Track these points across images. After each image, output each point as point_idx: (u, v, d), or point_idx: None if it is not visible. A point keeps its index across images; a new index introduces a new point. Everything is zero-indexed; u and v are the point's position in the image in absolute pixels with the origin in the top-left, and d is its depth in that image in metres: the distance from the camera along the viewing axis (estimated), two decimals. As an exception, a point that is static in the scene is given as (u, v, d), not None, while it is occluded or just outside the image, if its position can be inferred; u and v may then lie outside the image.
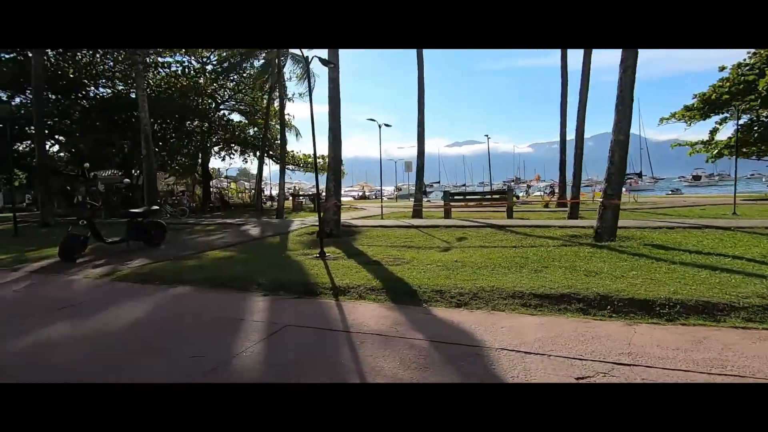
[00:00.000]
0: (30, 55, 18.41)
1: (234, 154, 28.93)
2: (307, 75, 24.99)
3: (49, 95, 20.79)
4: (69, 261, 7.49)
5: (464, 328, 3.71)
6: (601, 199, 8.09)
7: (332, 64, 7.51)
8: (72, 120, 18.95)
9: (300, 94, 27.76)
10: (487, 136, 25.23)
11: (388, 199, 50.34)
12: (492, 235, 9.19)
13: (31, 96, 20.48)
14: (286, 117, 29.93)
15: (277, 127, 29.50)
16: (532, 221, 11.95)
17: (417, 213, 15.38)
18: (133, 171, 24.75)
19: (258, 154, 29.35)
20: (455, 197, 14.98)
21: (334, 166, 10.55)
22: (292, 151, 31.12)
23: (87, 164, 8.35)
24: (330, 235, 10.17)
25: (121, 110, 19.45)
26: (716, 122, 22.95)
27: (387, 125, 16.67)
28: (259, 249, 8.64)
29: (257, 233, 11.08)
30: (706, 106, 21.40)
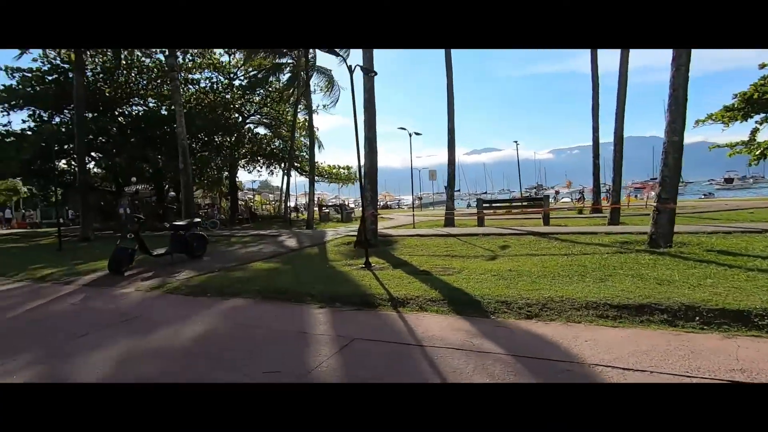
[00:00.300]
0: (71, 75, 19.26)
1: (261, 167, 29.37)
2: (329, 87, 25.38)
3: (86, 114, 21.66)
4: (118, 274, 7.59)
5: (545, 341, 3.51)
6: (654, 204, 7.73)
7: (374, 73, 7.47)
8: (110, 136, 19.56)
9: (324, 106, 28.03)
10: (515, 142, 24.80)
11: (409, 208, 50.19)
12: (536, 243, 8.92)
13: (68, 115, 21.39)
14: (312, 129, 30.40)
15: (301, 139, 29.96)
16: (572, 228, 11.58)
17: (449, 221, 15.15)
18: (164, 185, 25.40)
19: (283, 165, 29.84)
20: (489, 205, 14.70)
21: (370, 175, 10.49)
22: (317, 162, 31.39)
23: (134, 178, 8.50)
24: (369, 245, 10.08)
25: (154, 126, 20.01)
26: (756, 122, 21.96)
27: (417, 134, 16.59)
28: (301, 260, 8.60)
29: (294, 244, 11.08)
30: (747, 106, 20.50)
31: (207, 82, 26.10)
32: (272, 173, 31.23)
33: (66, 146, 20.52)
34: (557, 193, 43.75)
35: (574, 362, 3.04)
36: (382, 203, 52.21)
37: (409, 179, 19.41)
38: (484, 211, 14.68)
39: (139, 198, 20.38)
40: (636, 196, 34.53)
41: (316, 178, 32.51)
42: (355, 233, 12.89)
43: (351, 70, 6.96)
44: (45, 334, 4.46)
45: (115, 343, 3.95)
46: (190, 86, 25.17)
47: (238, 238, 13.42)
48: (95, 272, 8.15)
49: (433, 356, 3.28)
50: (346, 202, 34.58)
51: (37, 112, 20.68)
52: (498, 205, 15.43)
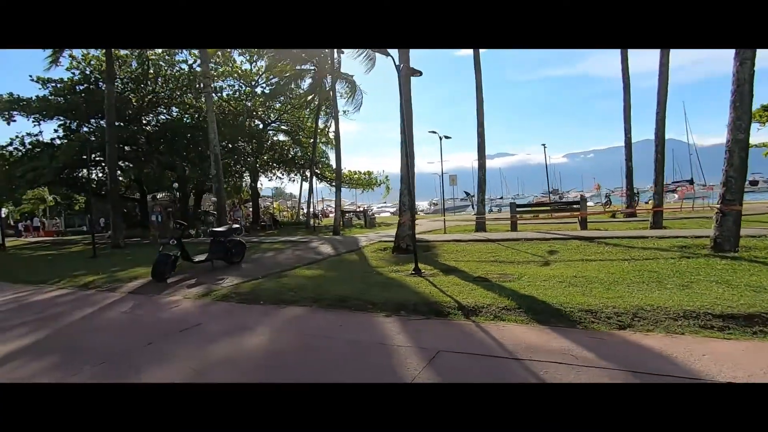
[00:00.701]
0: (101, 85, 19.57)
1: (283, 174, 29.47)
2: (352, 93, 25.27)
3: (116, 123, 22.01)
4: (161, 281, 7.48)
5: (655, 354, 3.20)
6: (718, 205, 7.33)
7: (419, 73, 7.28)
8: (138, 145, 19.79)
9: (344, 112, 27.99)
10: (543, 145, 24.32)
11: (425, 213, 49.68)
12: (586, 248, 8.56)
13: (95, 125, 21.73)
14: (331, 135, 30.43)
15: (320, 146, 29.95)
16: (615, 232, 11.14)
17: (480, 226, 14.83)
18: (188, 192, 25.61)
19: (302, 172, 29.88)
20: (525, 209, 14.33)
21: (408, 180, 10.26)
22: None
23: (176, 184, 8.43)
24: (406, 251, 9.83)
25: (180, 134, 20.18)
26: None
27: (447, 137, 16.37)
28: (344, 266, 8.39)
29: (329, 250, 10.88)
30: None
31: (230, 89, 26.40)
32: (293, 180, 31.27)
33: (94, 155, 20.90)
34: (582, 197, 42.84)
35: (703, 380, 2.74)
36: (395, 210, 51.58)
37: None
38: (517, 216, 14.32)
39: (172, 205, 20.49)
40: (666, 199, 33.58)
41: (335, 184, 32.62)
42: (386, 239, 12.67)
43: (398, 70, 6.77)
44: (108, 343, 4.32)
45: (184, 354, 3.77)
46: (214, 94, 25.45)
47: (269, 244, 13.29)
48: (137, 279, 8.07)
49: (538, 371, 3.01)
50: (365, 208, 34.32)
51: (67, 122, 21.06)
52: (533, 209, 15.03)
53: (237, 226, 9.99)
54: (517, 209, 13.80)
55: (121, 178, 26.94)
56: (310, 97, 24.66)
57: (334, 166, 30.63)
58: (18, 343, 4.45)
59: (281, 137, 30.12)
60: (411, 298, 5.16)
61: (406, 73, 8.47)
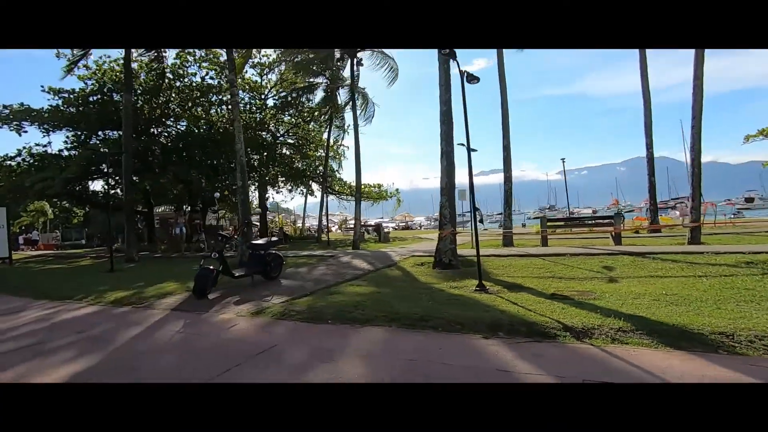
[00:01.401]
0: (115, 96, 19.23)
1: (292, 188, 29.05)
2: (364, 106, 25.02)
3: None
4: (202, 297, 6.97)
5: None
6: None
7: (477, 80, 6.97)
8: (154, 156, 19.35)
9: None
10: (562, 159, 24.10)
11: (425, 229, 49.21)
12: (643, 264, 8.19)
13: (102, 135, 21.27)
14: (341, 148, 30.17)
15: (320, 160, 29.52)
16: (657, 248, 10.77)
17: (508, 241, 14.44)
18: (197, 205, 25.07)
19: (307, 186, 29.49)
20: (558, 223, 13.97)
21: (449, 191, 9.89)
22: (346, 181, 30.95)
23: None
24: (449, 266, 9.41)
25: (194, 146, 19.76)
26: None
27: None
28: (392, 282, 7.91)
29: (365, 265, 10.40)
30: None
31: (240, 102, 26.09)
32: (301, 194, 30.78)
33: (103, 166, 20.42)
34: (594, 212, 42.77)
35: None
36: (401, 224, 51.32)
37: (419, 200, 18.73)
38: (542, 230, 13.95)
39: (198, 217, 19.84)
40: (668, 215, 33.49)
41: (345, 197, 32.23)
42: (418, 254, 12.23)
43: (462, 75, 6.46)
44: (179, 368, 3.81)
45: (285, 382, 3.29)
46: (223, 107, 25.17)
47: (293, 259, 12.75)
48: (171, 295, 7.55)
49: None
50: (379, 223, 33.63)
51: (78, 133, 20.62)
52: (564, 224, 14.69)
53: (276, 238, 9.51)
54: (548, 224, 13.42)
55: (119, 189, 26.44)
56: (324, 109, 24.41)
57: (345, 179, 30.48)
58: (71, 369, 3.93)
59: (285, 151, 29.74)
60: (499, 317, 4.72)
61: (472, 82, 8.15)
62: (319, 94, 25.73)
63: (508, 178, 15.06)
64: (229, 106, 24.67)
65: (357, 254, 13.39)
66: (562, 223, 14.85)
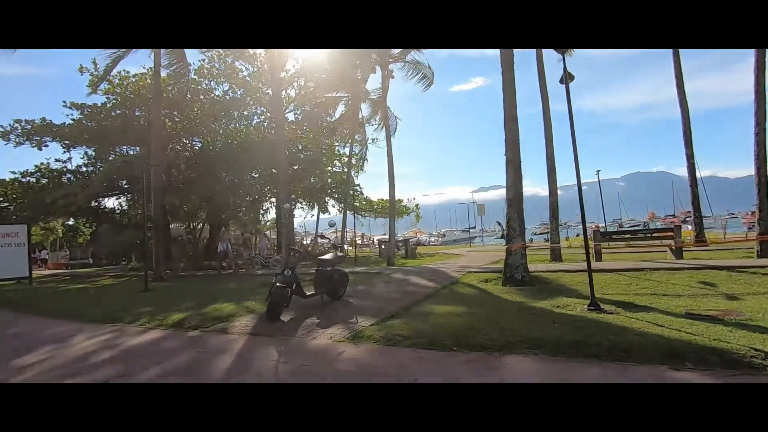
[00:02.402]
0: (137, 112, 18.77)
1: (310, 205, 28.44)
2: (383, 117, 24.51)
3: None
4: (275, 319, 6.27)
5: None
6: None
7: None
8: (179, 172, 18.78)
9: (373, 140, 27.37)
10: (597, 171, 23.46)
11: (433, 245, 48.29)
12: (748, 279, 7.55)
13: (122, 151, 20.78)
14: (361, 162, 29.60)
15: (342, 174, 28.97)
16: (730, 262, 10.11)
17: (556, 255, 13.78)
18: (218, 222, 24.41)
19: (321, 202, 28.85)
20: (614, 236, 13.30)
21: (517, 203, 9.28)
22: (366, 195, 30.39)
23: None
24: (523, 282, 8.73)
25: (219, 161, 19.16)
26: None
27: None
28: (477, 301, 7.18)
29: (423, 282, 9.69)
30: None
31: (259, 118, 25.68)
32: (323, 210, 30.11)
33: (123, 182, 19.84)
34: (620, 227, 42.12)
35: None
36: (413, 240, 50.34)
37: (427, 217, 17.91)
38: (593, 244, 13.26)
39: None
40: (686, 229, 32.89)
41: (363, 213, 31.64)
42: (464, 270, 11.54)
43: (565, 75, 5.93)
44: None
45: None
46: (243, 122, 24.77)
47: (336, 276, 12.02)
48: (235, 317, 6.83)
49: None
50: (406, 239, 32.71)
51: (98, 148, 20.11)
52: (620, 237, 14.03)
53: (342, 254, 8.86)
54: (602, 237, 12.76)
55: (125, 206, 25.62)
56: (348, 124, 23.98)
57: (366, 194, 29.92)
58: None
59: (299, 166, 29.13)
60: (664, 343, 4.04)
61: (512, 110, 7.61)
62: (340, 110, 25.46)
63: (553, 192, 14.49)
64: (256, 120, 24.41)
65: (402, 270, 12.67)
66: (615, 236, 14.17)
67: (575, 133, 6.31)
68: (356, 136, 25.61)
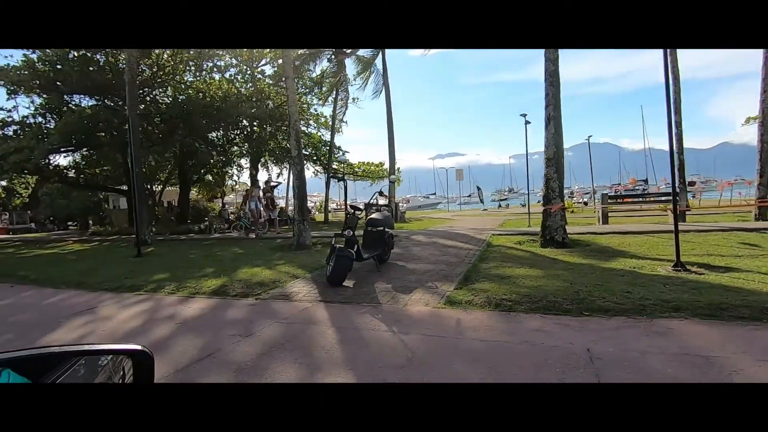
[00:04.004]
0: (98, 56, 16.43)
1: (284, 165, 26.88)
2: (365, 74, 23.22)
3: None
4: (338, 285, 5.63)
5: None
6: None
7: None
8: (154, 125, 16.80)
9: (354, 99, 26.02)
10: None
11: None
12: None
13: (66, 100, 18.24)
14: (340, 125, 28.17)
15: (319, 134, 27.55)
16: (740, 224, 10.50)
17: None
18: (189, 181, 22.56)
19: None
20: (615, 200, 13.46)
21: (557, 162, 8.95)
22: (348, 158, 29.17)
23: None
24: (564, 245, 8.54)
25: (199, 114, 17.31)
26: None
27: (529, 122, 15.27)
28: (543, 264, 6.80)
29: (463, 245, 9.22)
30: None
31: (234, 69, 23.43)
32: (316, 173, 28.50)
33: (83, 136, 17.54)
34: (572, 194, 43.60)
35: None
36: (406, 206, 49.74)
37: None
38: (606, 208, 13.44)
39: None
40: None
41: (348, 177, 30.50)
42: (483, 231, 11.28)
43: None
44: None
45: None
46: (217, 74, 22.57)
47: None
48: (282, 283, 6.09)
49: None
50: (396, 202, 32.02)
51: (52, 96, 17.53)
52: (627, 200, 14.25)
53: (388, 213, 8.14)
54: (609, 201, 12.88)
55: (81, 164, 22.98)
56: (333, 80, 22.48)
57: (346, 157, 28.72)
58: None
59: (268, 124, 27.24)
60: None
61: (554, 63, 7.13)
62: (324, 64, 23.78)
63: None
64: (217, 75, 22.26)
65: (416, 233, 12.14)
66: (620, 200, 14.43)
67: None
68: (338, 95, 24.20)
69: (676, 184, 14.65)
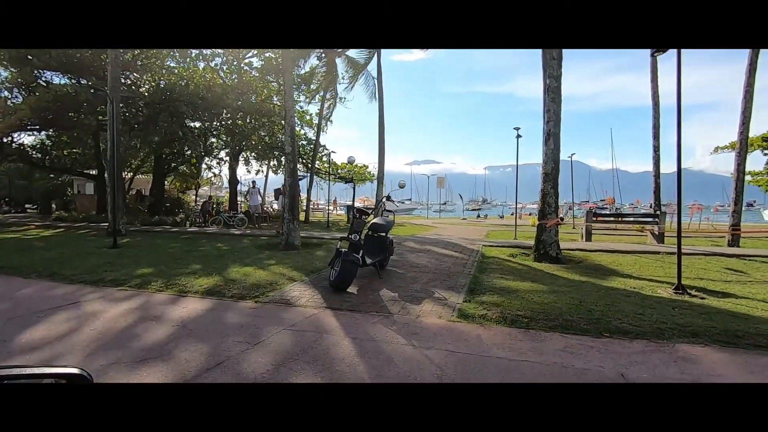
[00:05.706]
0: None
1: (264, 162, 26.22)
2: (354, 74, 23.07)
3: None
4: (342, 290, 5.39)
5: None
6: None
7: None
8: (136, 109, 15.93)
9: (341, 99, 25.72)
10: (571, 155, 23.21)
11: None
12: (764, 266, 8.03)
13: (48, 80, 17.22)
14: (324, 123, 27.75)
15: (302, 131, 27.06)
16: (718, 249, 10.93)
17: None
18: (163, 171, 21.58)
19: (278, 160, 26.74)
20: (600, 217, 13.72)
21: (554, 177, 9.00)
22: (332, 160, 28.73)
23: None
24: (557, 260, 8.59)
25: (181, 101, 16.56)
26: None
27: (519, 136, 15.39)
28: (544, 280, 6.77)
29: (454, 254, 9.16)
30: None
31: (220, 58, 22.66)
32: (277, 171, 27.92)
33: (51, 116, 16.44)
34: (570, 209, 44.30)
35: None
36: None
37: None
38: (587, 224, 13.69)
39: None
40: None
41: (323, 177, 30.02)
42: (474, 242, 11.27)
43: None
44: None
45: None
46: (202, 62, 21.79)
47: (325, 241, 11.04)
48: (281, 285, 5.80)
49: None
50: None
51: (21, 70, 16.37)
52: (608, 219, 14.53)
53: (391, 217, 7.89)
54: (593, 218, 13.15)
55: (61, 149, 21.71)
56: (324, 79, 22.12)
57: (329, 157, 28.28)
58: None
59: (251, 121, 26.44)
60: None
61: (557, 69, 7.21)
62: (312, 62, 23.38)
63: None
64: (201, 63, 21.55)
65: (413, 239, 11.97)
66: (607, 217, 14.75)
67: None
68: (327, 94, 23.90)
69: (662, 207, 15.07)
